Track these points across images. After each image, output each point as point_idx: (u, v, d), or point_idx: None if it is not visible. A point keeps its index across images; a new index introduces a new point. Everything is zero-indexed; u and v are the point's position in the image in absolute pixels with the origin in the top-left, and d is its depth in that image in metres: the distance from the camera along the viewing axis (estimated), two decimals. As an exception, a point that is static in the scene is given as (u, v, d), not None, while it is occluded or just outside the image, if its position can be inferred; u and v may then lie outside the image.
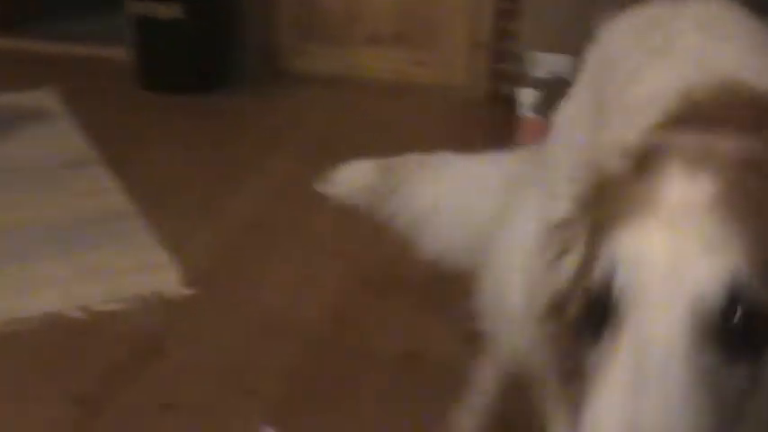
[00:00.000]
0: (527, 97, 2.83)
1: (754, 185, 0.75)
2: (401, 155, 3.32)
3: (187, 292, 2.54)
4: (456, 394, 2.16)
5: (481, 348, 1.89)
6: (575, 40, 2.86)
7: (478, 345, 2.36)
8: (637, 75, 1.17)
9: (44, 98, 3.81)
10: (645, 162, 0.80)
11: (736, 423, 0.70)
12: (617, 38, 1.37)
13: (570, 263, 0.86)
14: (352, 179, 1.87)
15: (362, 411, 2.14)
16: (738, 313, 0.69)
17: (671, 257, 0.72)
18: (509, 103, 3.00)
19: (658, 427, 0.65)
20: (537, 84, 2.83)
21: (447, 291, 2.62)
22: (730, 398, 0.69)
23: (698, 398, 0.67)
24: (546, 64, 2.80)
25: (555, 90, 2.83)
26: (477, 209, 1.73)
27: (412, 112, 3.84)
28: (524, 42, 2.88)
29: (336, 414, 2.12)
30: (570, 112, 1.48)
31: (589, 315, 0.78)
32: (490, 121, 3.65)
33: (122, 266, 2.64)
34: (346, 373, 2.27)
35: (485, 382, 1.88)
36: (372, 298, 2.58)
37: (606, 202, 0.81)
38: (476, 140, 3.54)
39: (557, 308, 0.86)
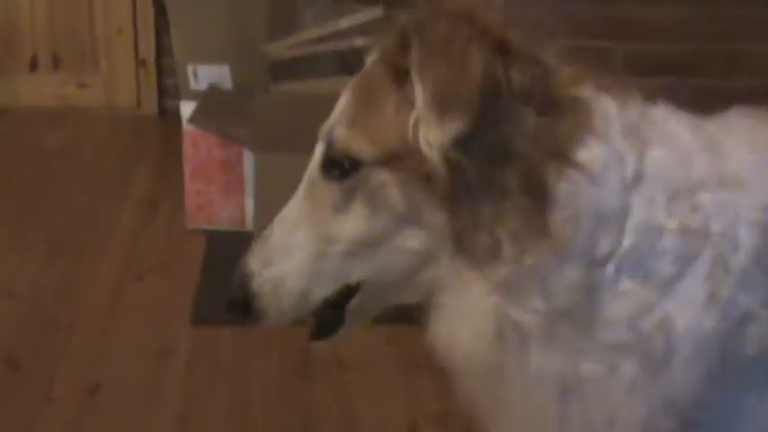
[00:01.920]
0: (188, 110, 2.79)
1: (374, 71, 1.12)
2: (68, 182, 3.17)
3: None
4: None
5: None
6: (228, 49, 2.88)
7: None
8: None
9: None
10: None
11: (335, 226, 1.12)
12: None
13: None
14: None
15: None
16: (332, 153, 1.13)
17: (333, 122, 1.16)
18: (177, 119, 2.95)
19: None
20: (196, 96, 2.80)
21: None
22: (328, 203, 1.13)
23: (307, 193, 1.14)
24: (203, 75, 2.78)
25: (212, 100, 2.81)
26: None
27: (79, 137, 3.67)
28: (179, 55, 2.83)
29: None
30: None
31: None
32: (163, 138, 3.57)
33: None
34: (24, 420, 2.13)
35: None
36: (49, 335, 2.44)
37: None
38: (147, 159, 3.47)
39: None
